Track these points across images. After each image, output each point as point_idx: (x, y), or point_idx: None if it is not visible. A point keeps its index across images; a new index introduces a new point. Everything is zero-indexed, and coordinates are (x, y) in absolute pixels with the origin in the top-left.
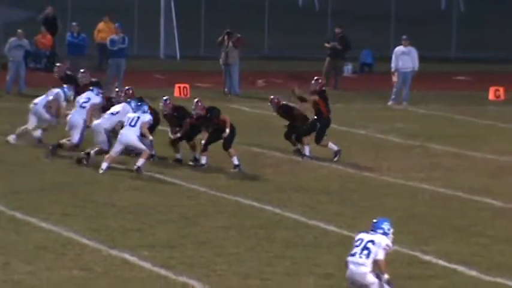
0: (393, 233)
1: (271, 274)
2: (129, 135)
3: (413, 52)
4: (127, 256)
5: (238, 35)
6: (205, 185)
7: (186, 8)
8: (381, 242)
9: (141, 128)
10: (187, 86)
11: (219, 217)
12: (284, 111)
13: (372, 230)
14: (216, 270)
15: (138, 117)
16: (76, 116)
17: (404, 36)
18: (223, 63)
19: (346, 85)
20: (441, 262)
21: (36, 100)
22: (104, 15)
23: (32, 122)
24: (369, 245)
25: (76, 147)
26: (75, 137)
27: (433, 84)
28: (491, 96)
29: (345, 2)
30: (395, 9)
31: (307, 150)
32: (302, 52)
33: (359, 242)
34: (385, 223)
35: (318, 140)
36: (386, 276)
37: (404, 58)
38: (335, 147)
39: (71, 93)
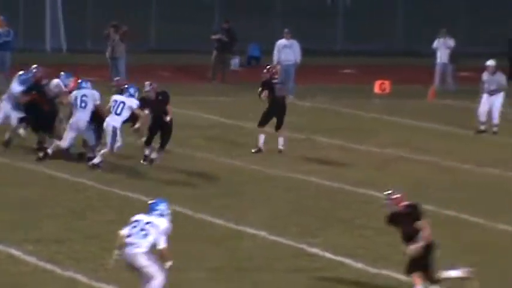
0: (170, 214)
1: None
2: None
3: (296, 45)
4: (12, 251)
5: (125, 28)
6: (93, 178)
7: (72, 0)
8: (159, 225)
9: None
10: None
11: (106, 211)
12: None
13: (149, 211)
14: (104, 264)
15: (124, 103)
16: None
17: (286, 30)
18: (110, 57)
19: (233, 78)
20: (328, 255)
21: None
22: None
23: None
24: (147, 226)
25: None
26: None
27: (319, 77)
28: (376, 89)
29: None
30: (282, 2)
31: None
32: (189, 45)
33: (136, 223)
34: (162, 204)
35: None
36: (169, 263)
37: (287, 51)
38: None
39: None
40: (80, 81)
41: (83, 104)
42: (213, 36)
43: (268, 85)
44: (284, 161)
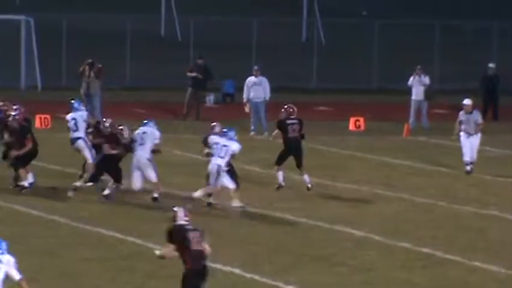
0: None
1: None
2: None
3: (265, 82)
4: None
5: (100, 65)
6: (66, 215)
7: (47, 38)
8: (9, 261)
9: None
10: (48, 116)
11: (80, 248)
12: None
13: None
14: None
15: (227, 146)
16: None
17: (255, 67)
18: (85, 94)
19: (208, 115)
20: None
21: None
22: None
23: None
24: None
25: None
26: None
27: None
28: (351, 126)
29: (207, 32)
30: (257, 39)
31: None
32: (164, 82)
33: None
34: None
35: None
36: None
37: (256, 88)
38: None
39: None
40: (145, 120)
41: (142, 141)
42: (189, 74)
43: (282, 125)
44: (259, 198)
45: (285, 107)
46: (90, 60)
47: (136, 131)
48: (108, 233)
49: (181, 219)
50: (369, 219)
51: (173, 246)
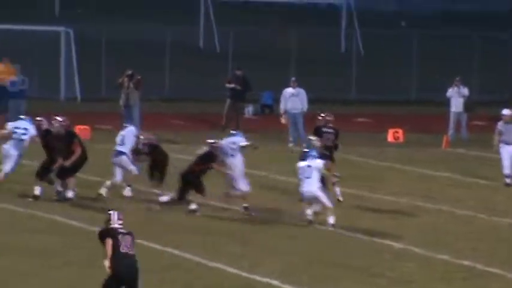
0: None
1: None
2: None
3: (302, 93)
4: None
5: (139, 77)
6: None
7: (87, 49)
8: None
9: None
10: (87, 127)
11: None
12: None
13: None
14: None
15: (310, 166)
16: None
17: (293, 78)
18: (124, 105)
19: (246, 126)
20: None
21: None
22: (4, 56)
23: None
24: None
25: None
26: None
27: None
28: (390, 138)
29: (245, 43)
30: (295, 50)
31: None
32: (203, 93)
33: None
34: None
35: None
36: None
37: (293, 99)
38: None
39: None
40: (233, 131)
41: (233, 153)
42: (227, 85)
43: (318, 131)
44: (297, 209)
45: (322, 114)
46: (129, 72)
47: (225, 142)
48: (147, 244)
49: (115, 222)
50: (408, 231)
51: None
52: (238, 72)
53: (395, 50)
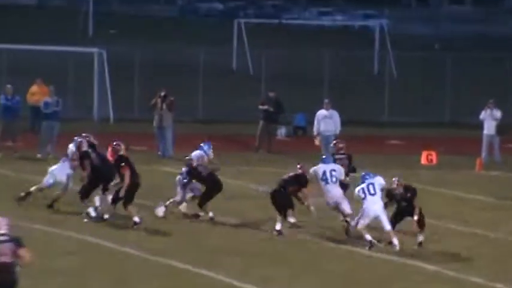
0: None
1: None
2: None
3: (335, 115)
4: None
5: (172, 98)
6: (137, 247)
7: (120, 70)
8: None
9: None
10: None
11: (152, 280)
12: None
13: None
14: None
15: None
16: None
17: (326, 100)
18: (157, 126)
19: (279, 148)
20: None
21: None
22: (38, 77)
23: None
24: None
25: None
26: None
27: (365, 147)
28: (423, 160)
29: (278, 65)
30: (328, 72)
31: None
32: (236, 115)
33: None
34: None
35: None
36: None
37: (327, 121)
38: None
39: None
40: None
41: (334, 179)
42: (260, 107)
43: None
44: (335, 232)
45: (334, 142)
46: (162, 93)
47: (320, 168)
48: (179, 265)
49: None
50: (441, 254)
51: None
52: (271, 94)
53: (429, 73)
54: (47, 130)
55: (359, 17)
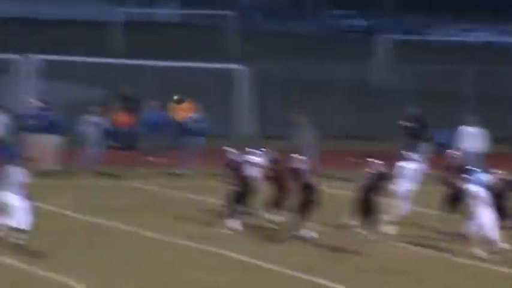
0: None
1: None
2: None
3: (481, 133)
4: None
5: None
6: (282, 263)
7: (262, 87)
8: None
9: None
10: None
11: None
12: None
13: None
14: None
15: None
16: None
17: (471, 117)
18: (300, 143)
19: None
20: None
21: None
22: (182, 93)
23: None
24: None
25: None
26: None
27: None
28: None
29: (421, 81)
30: (472, 89)
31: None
32: (378, 131)
33: None
34: None
35: None
36: None
37: (471, 138)
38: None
39: None
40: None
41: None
42: (403, 123)
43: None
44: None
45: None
46: (301, 110)
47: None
48: (322, 282)
49: None
50: None
51: None
52: (415, 111)
53: None
54: (192, 146)
55: (505, 32)
